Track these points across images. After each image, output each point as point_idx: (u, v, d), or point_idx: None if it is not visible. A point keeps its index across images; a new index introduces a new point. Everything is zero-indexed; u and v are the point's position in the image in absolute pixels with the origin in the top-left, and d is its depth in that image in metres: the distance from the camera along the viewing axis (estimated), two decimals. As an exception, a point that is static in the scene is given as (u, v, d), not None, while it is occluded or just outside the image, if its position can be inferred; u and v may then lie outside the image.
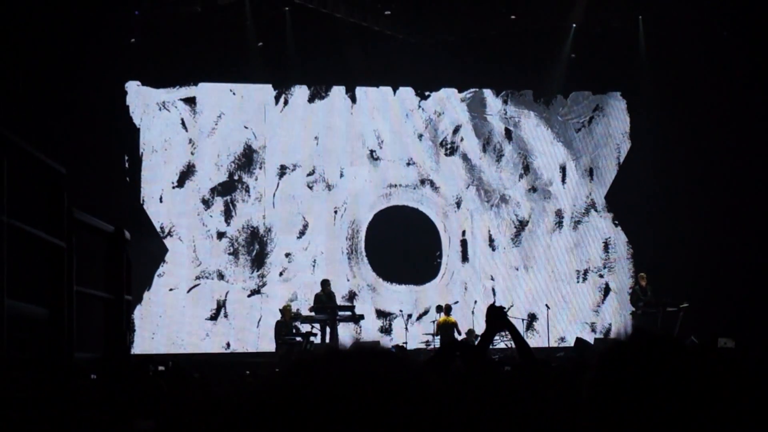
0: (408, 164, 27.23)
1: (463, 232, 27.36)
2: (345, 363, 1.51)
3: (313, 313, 23.18)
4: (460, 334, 24.05)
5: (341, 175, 26.81)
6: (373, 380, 1.45)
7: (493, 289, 27.07)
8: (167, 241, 25.67)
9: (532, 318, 26.69)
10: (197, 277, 25.75)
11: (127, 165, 25.62)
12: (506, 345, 20.86)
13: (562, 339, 26.34)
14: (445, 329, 23.78)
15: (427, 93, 27.61)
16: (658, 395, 2.36)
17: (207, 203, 25.99)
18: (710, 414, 2.36)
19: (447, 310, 24.35)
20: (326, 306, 23.20)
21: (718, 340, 18.29)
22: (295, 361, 1.58)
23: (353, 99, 27.13)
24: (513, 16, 26.22)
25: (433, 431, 1.41)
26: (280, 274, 26.13)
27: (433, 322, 24.54)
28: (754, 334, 20.64)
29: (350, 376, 1.47)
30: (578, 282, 27.75)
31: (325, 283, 23.82)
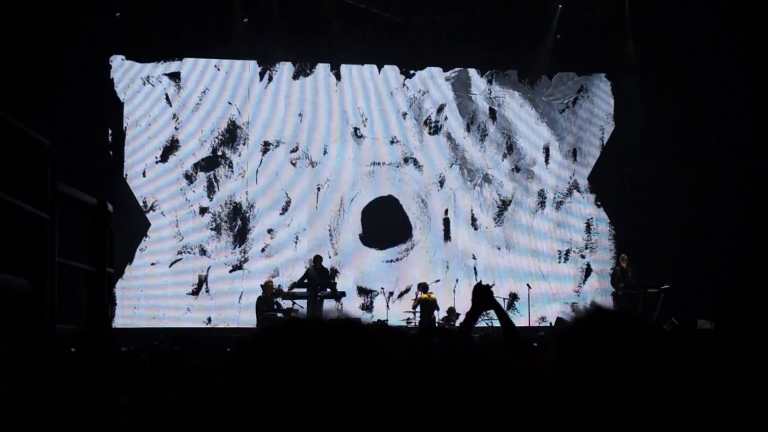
0: (392, 142, 27.22)
1: (446, 211, 27.38)
2: (304, 332, 1.52)
3: (294, 290, 23.23)
4: (438, 310, 24.17)
5: (324, 153, 26.79)
6: (331, 350, 1.47)
7: (475, 268, 27.11)
8: (150, 216, 25.64)
9: (513, 297, 26.74)
10: (179, 252, 25.75)
11: (110, 139, 25.56)
12: (487, 324, 20.89)
13: (543, 319, 26.42)
14: (426, 306, 23.90)
15: (411, 72, 27.58)
16: (615, 373, 2.36)
17: (190, 178, 25.96)
18: (668, 392, 2.37)
19: (424, 288, 24.44)
20: (308, 282, 23.25)
21: (698, 322, 18.41)
22: (257, 331, 1.59)
23: (338, 76, 27.08)
24: (499, -4, 26.19)
25: (397, 407, 1.42)
26: (262, 250, 26.12)
27: (413, 299, 24.64)
28: (734, 316, 20.75)
29: (308, 345, 1.48)
30: (560, 262, 27.81)
31: (317, 259, 23.96)
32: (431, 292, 24.40)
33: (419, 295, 24.33)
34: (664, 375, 2.38)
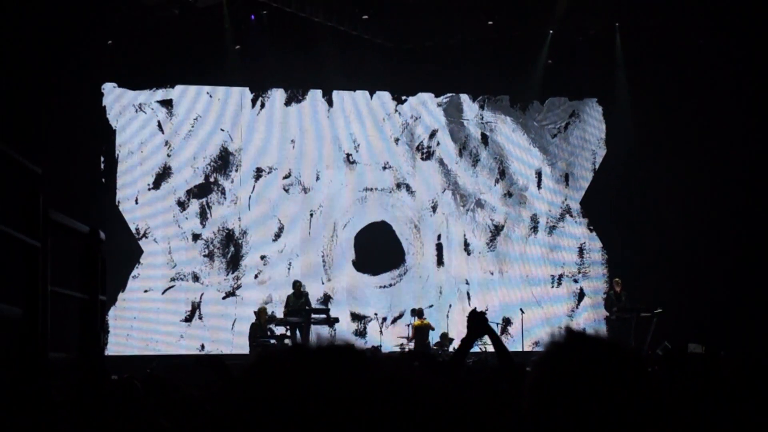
0: (384, 168, 27.25)
1: (439, 236, 27.39)
2: (307, 359, 1.53)
3: (288, 317, 23.22)
4: (434, 329, 24.19)
5: (317, 179, 26.81)
6: (334, 377, 1.47)
7: (468, 294, 27.10)
8: (142, 243, 25.63)
9: (506, 322, 26.73)
10: (172, 279, 25.73)
11: (102, 166, 25.57)
12: (480, 349, 20.89)
13: (536, 343, 26.35)
14: (420, 332, 23.89)
15: (403, 97, 27.64)
16: (589, 398, 2.38)
17: (182, 205, 25.97)
18: (642, 415, 2.38)
19: (419, 313, 24.43)
20: (301, 309, 23.23)
21: (689, 346, 18.46)
22: (258, 356, 1.59)
23: (330, 102, 27.14)
24: (490, 22, 26.27)
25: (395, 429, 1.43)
26: (255, 276, 26.11)
27: (408, 325, 24.64)
28: (728, 339, 20.80)
29: (311, 371, 1.48)
30: (553, 287, 27.81)
31: (296, 284, 23.86)
32: (425, 318, 24.39)
33: (415, 320, 24.32)
34: (640, 398, 2.39)
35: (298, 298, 23.63)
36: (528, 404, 2.49)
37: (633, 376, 2.43)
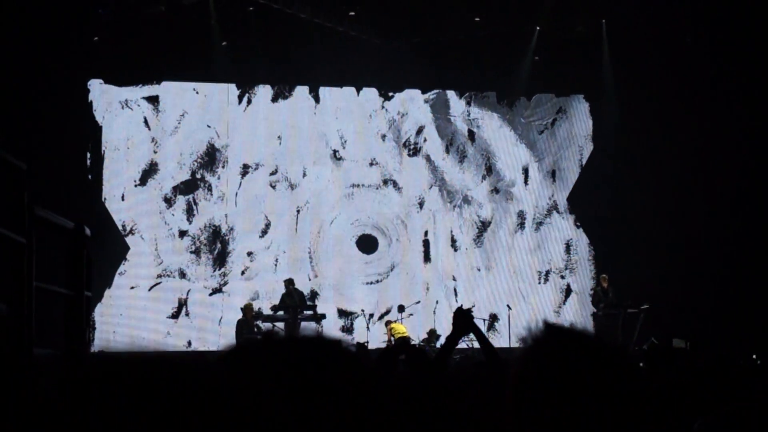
0: (371, 164, 27.24)
1: (426, 233, 27.39)
2: (280, 348, 1.53)
3: (274, 312, 23.19)
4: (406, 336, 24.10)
5: (304, 175, 26.79)
6: (307, 366, 1.48)
7: (455, 290, 27.12)
8: (129, 240, 25.58)
9: (493, 318, 26.74)
10: (159, 276, 25.68)
11: (89, 163, 25.50)
12: (467, 345, 20.88)
13: (524, 340, 26.32)
14: (397, 334, 23.81)
15: (390, 94, 27.62)
16: (571, 392, 2.37)
17: (169, 202, 25.92)
18: (622, 411, 2.37)
19: (400, 309, 24.48)
20: (287, 305, 23.19)
21: (673, 341, 18.54)
22: (234, 347, 1.60)
23: (317, 99, 27.11)
24: (477, 19, 26.26)
25: (364, 422, 1.43)
26: (242, 273, 26.09)
27: (386, 322, 24.58)
28: (711, 335, 20.87)
29: (284, 360, 1.49)
30: (540, 283, 27.84)
31: (289, 282, 23.81)
32: (399, 320, 24.23)
33: (395, 322, 24.25)
34: (620, 392, 2.38)
35: (290, 295, 23.59)
36: (509, 401, 2.49)
37: (613, 369, 2.43)
